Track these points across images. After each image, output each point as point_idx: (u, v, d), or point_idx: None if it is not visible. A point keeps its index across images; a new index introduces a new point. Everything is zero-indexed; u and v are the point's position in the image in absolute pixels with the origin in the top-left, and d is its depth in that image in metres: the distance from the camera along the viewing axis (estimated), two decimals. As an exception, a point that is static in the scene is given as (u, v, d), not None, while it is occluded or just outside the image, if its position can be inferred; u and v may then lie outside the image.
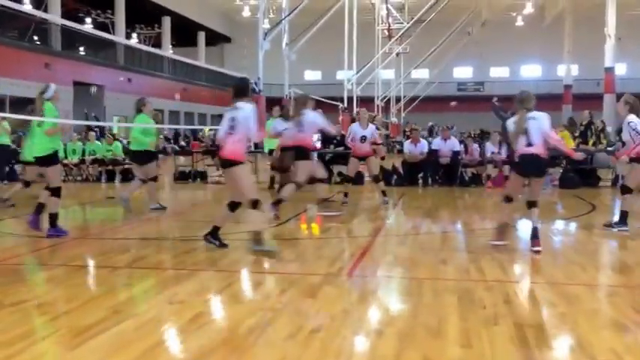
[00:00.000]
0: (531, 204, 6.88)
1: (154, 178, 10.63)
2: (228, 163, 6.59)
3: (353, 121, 14.55)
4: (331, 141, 15.86)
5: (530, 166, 6.77)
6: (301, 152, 9.36)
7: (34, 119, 7.80)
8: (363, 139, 11.03)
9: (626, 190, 8.34)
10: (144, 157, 10.47)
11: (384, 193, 11.30)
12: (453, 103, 15.71)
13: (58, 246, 7.31)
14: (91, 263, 6.69)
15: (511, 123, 6.89)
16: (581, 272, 6.02)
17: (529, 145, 6.69)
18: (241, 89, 6.80)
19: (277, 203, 9.28)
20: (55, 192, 7.80)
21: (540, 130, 6.70)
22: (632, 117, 8.11)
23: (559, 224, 9.38)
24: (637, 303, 5.03)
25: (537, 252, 6.64)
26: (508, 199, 7.04)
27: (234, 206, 6.85)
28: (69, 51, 30.47)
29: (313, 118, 9.47)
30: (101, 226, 9.41)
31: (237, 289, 5.58)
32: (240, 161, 6.58)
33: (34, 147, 7.97)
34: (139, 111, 10.62)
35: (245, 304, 4.96)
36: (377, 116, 33.51)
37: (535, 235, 6.75)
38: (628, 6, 42.44)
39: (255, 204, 6.49)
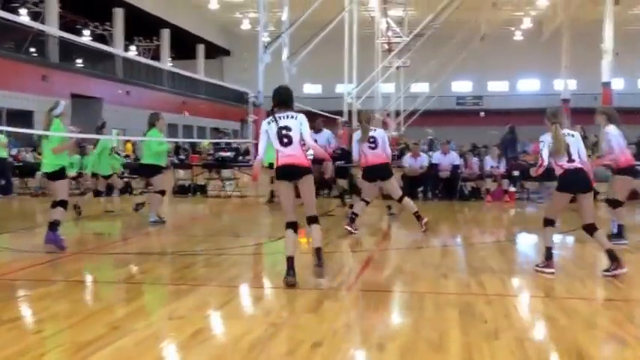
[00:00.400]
0: (591, 228, 6.53)
1: (161, 192, 10.65)
2: (306, 171, 6.07)
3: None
4: (331, 154, 15.85)
5: (578, 181, 6.45)
6: (388, 170, 9.40)
7: (34, 132, 7.84)
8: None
9: (617, 203, 8.32)
10: (152, 170, 10.54)
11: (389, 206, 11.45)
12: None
13: (57, 261, 7.28)
14: (89, 278, 6.66)
15: (548, 139, 6.54)
16: (580, 286, 6.03)
17: (571, 160, 6.46)
18: (289, 98, 6.31)
19: (353, 220, 9.26)
20: (62, 204, 7.95)
21: (578, 149, 6.53)
22: (610, 128, 8.09)
23: (557, 237, 9.36)
24: (636, 317, 5.04)
25: (615, 276, 6.20)
26: (551, 222, 6.64)
27: (294, 226, 6.13)
28: (66, 63, 30.45)
29: (383, 135, 9.43)
30: (100, 241, 9.37)
31: (237, 304, 5.55)
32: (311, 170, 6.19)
33: (43, 162, 8.16)
34: (152, 125, 10.64)
35: (245, 320, 4.94)
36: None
37: (614, 257, 6.31)
38: (625, 21, 42.98)
39: (317, 218, 6.16)
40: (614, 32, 30.96)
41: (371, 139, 9.19)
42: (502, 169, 14.73)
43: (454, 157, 15.18)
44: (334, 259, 7.47)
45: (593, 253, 7.99)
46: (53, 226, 7.84)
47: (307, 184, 6.07)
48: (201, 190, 16.46)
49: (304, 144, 6.08)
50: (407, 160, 15.33)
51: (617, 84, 39.23)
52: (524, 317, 5.05)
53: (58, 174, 7.99)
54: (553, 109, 6.82)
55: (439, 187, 14.96)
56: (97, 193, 12.44)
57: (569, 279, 6.29)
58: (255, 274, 6.73)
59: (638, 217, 12.94)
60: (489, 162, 14.96)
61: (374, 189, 9.76)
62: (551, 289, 5.89)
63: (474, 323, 4.68)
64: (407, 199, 9.61)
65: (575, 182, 6.46)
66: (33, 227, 10.32)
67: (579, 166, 6.47)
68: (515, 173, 14.92)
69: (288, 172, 6.07)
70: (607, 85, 31.11)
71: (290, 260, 5.90)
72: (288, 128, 6.05)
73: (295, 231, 6.08)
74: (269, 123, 6.14)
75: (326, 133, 13.35)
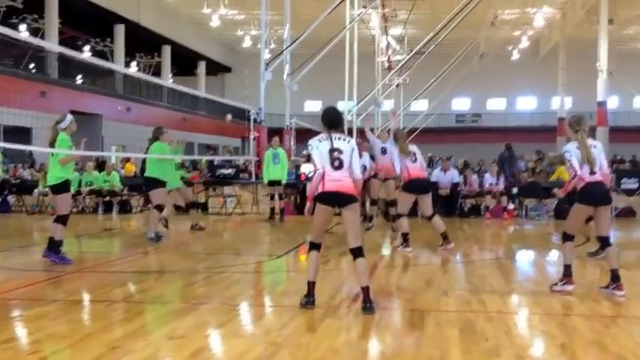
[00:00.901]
0: (605, 241, 6.46)
1: (159, 207, 10.56)
2: (353, 199, 5.74)
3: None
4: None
5: (600, 194, 6.33)
6: (430, 184, 9.63)
7: (32, 148, 7.82)
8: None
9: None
10: (151, 183, 10.51)
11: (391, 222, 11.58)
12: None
13: (54, 280, 7.21)
14: (87, 297, 6.56)
15: (574, 148, 6.35)
16: (579, 303, 6.04)
17: (593, 173, 6.33)
18: (341, 119, 6.06)
19: (406, 240, 9.26)
20: (62, 219, 7.89)
21: (600, 160, 6.39)
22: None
23: (555, 255, 9.37)
24: (636, 334, 5.03)
25: (622, 296, 6.20)
26: (571, 238, 6.50)
27: (319, 248, 5.92)
28: (66, 79, 30.50)
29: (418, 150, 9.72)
30: (98, 259, 9.27)
31: (237, 322, 5.50)
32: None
33: (48, 175, 8.24)
34: (155, 139, 10.62)
35: (246, 338, 4.89)
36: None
37: (616, 277, 6.28)
38: (619, 41, 43.46)
39: (362, 250, 5.80)
40: (608, 51, 31.43)
41: (413, 154, 9.44)
42: (501, 186, 14.80)
43: (454, 175, 15.22)
44: (334, 277, 7.43)
45: (590, 270, 7.98)
46: (55, 246, 7.77)
47: (353, 212, 5.75)
48: (202, 207, 16.40)
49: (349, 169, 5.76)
50: (436, 173, 15.31)
51: (612, 102, 39.61)
52: (525, 335, 5.07)
53: (61, 187, 8.01)
54: (576, 116, 6.58)
55: (439, 204, 14.95)
56: (177, 208, 12.49)
57: (567, 296, 6.30)
58: (256, 293, 6.68)
59: (634, 234, 12.94)
60: (488, 179, 15.07)
61: (410, 202, 9.76)
62: (551, 306, 5.91)
63: (475, 341, 4.68)
64: (437, 218, 9.67)
65: (597, 195, 6.34)
66: (29, 245, 10.26)
67: (600, 178, 6.36)
68: (514, 190, 14.98)
69: (334, 199, 5.76)
70: (602, 103, 31.66)
71: (311, 285, 5.75)
72: (340, 151, 5.72)
73: (318, 252, 5.86)
74: (320, 141, 5.78)
75: (365, 157, 12.01)
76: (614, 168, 20.88)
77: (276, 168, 13.86)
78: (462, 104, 56.90)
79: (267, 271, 8.19)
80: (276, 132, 17.76)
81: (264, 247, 10.66)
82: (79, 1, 31.78)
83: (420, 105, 50.09)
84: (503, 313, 5.62)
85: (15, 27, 32.43)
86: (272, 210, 14.17)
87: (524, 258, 9.51)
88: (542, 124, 49.79)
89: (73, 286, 6.98)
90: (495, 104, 56.85)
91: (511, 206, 14.77)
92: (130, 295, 6.49)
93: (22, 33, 31.12)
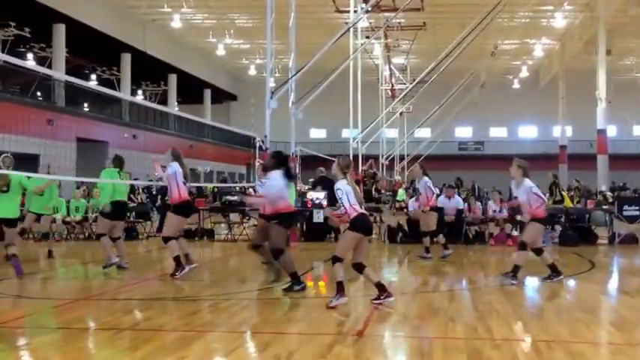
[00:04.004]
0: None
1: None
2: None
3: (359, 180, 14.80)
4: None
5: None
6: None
7: (37, 176, 7.84)
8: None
9: (522, 246, 9.00)
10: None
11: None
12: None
13: (59, 308, 7.18)
14: (93, 325, 6.51)
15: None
16: (585, 330, 6.04)
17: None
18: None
19: (515, 271, 8.98)
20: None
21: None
22: (528, 182, 8.98)
23: (561, 282, 9.36)
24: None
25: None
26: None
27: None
28: (73, 107, 30.73)
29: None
30: (104, 287, 9.19)
31: (245, 351, 5.49)
32: None
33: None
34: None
35: (253, 367, 4.88)
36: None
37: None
38: (617, 71, 44.21)
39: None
40: (606, 81, 31.91)
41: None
42: (504, 213, 14.92)
43: (458, 202, 15.31)
44: (342, 304, 7.41)
45: (596, 297, 7.99)
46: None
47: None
48: (209, 234, 16.39)
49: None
50: (412, 204, 15.41)
51: (611, 131, 40.07)
52: (532, 363, 5.02)
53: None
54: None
55: (444, 231, 14.98)
56: None
57: (573, 323, 6.30)
58: (263, 320, 6.67)
59: (636, 261, 12.94)
60: (492, 206, 15.22)
61: None
62: (558, 333, 5.90)
63: (484, 369, 4.64)
64: None
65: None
66: (35, 273, 10.22)
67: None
68: (518, 217, 15.03)
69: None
70: (602, 132, 32.05)
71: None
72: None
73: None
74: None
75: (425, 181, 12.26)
76: (615, 195, 20.88)
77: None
78: (464, 132, 57.23)
79: (273, 297, 8.17)
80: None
81: (270, 273, 10.63)
82: (86, 30, 32.14)
83: (424, 132, 50.36)
84: (509, 340, 5.62)
85: (23, 55, 32.84)
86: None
87: (529, 284, 9.49)
88: (543, 152, 49.96)
89: (79, 314, 6.96)
90: (497, 132, 57.19)
91: (515, 233, 14.80)
92: (137, 322, 6.48)
93: (30, 61, 31.53)
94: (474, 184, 25.87)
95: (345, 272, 7.02)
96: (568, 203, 16.59)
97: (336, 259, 7.00)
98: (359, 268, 7.13)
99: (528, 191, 8.90)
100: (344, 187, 7.11)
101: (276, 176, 8.25)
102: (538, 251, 9.08)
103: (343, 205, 7.14)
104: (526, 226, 9.24)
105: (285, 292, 7.89)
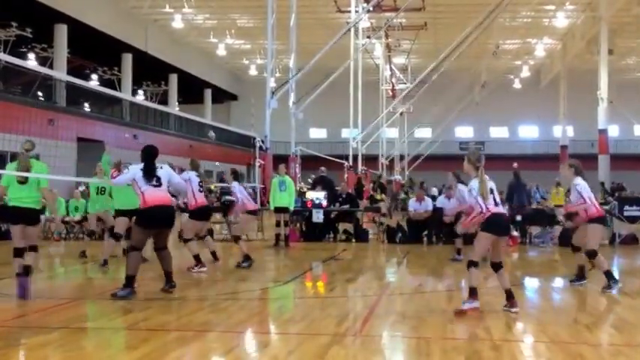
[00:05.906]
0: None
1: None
2: None
3: (359, 180, 14.71)
4: (337, 199, 15.99)
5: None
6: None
7: (38, 176, 7.71)
8: None
9: (593, 254, 8.15)
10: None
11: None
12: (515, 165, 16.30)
13: (57, 307, 7.15)
14: (91, 325, 6.49)
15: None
16: (585, 331, 6.02)
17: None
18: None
19: (609, 277, 8.28)
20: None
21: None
22: (578, 180, 8.37)
23: (560, 282, 9.35)
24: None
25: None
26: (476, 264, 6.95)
27: None
28: (73, 107, 30.74)
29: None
30: (103, 286, 9.14)
31: (243, 350, 5.49)
32: None
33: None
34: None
35: (251, 367, 4.88)
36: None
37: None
38: (619, 71, 43.89)
39: None
40: (608, 81, 31.91)
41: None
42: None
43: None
44: (340, 304, 7.42)
45: (595, 298, 7.96)
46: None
47: None
48: (208, 233, 16.34)
49: None
50: (412, 204, 15.41)
51: (613, 131, 40.02)
52: (531, 364, 5.00)
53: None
54: (476, 153, 7.08)
55: (443, 231, 14.98)
56: None
57: (572, 324, 6.29)
58: (262, 320, 6.66)
59: (637, 262, 12.91)
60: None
61: None
62: (557, 334, 5.88)
63: (482, 370, 4.62)
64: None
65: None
66: (33, 273, 10.16)
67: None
68: (518, 218, 15.04)
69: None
70: (603, 132, 32.04)
71: None
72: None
73: None
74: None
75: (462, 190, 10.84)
76: (616, 195, 20.87)
77: (283, 195, 13.96)
78: (465, 132, 57.15)
79: (272, 297, 8.17)
80: (281, 159, 17.84)
81: (269, 273, 10.64)
82: (87, 31, 32.17)
83: (424, 132, 50.33)
84: (509, 341, 5.60)
85: (24, 56, 32.85)
86: (277, 236, 14.18)
87: (528, 285, 9.48)
88: (544, 152, 49.97)
89: (78, 314, 6.96)
90: (498, 132, 57.12)
91: (515, 234, 14.77)
92: (135, 322, 6.47)
93: (31, 62, 31.53)
94: None
95: (344, 272, 7.00)
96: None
97: (471, 264, 6.82)
98: (496, 267, 6.87)
99: (574, 189, 8.37)
100: (476, 187, 6.81)
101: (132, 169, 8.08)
102: (592, 253, 8.27)
103: (479, 205, 6.80)
104: (587, 232, 8.34)
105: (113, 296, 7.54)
